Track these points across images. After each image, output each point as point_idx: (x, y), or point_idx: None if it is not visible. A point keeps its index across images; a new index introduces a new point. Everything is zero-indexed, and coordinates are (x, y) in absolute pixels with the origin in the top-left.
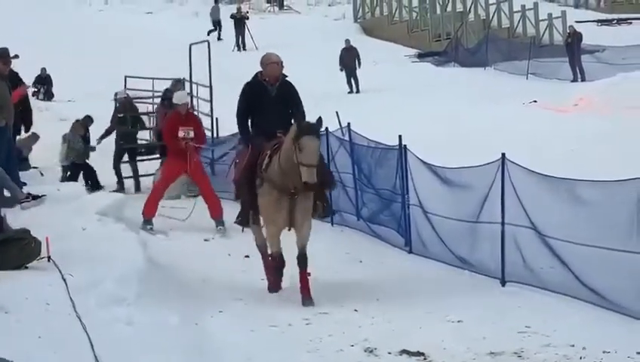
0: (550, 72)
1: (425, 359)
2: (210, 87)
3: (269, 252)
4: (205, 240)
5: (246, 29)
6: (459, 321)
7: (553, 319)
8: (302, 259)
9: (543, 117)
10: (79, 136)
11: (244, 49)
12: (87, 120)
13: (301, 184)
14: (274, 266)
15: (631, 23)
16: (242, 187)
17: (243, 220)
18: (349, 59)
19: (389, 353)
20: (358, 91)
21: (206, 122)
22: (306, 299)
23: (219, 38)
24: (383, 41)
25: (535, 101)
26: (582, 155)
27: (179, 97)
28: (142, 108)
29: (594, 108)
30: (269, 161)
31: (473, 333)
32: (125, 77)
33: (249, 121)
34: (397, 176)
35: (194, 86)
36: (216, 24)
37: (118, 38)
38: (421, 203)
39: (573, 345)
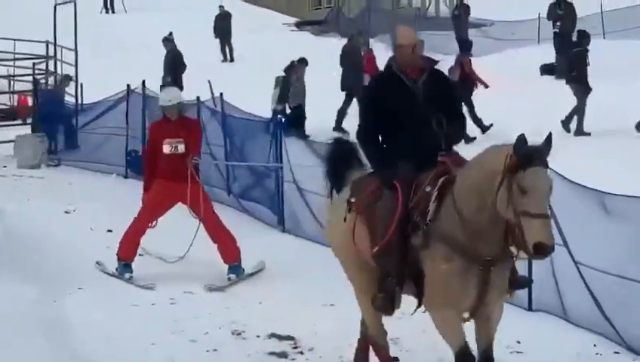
0: (436, 46)
1: (295, 344)
2: (76, 50)
3: (454, 349)
4: (66, 212)
5: None
6: (331, 304)
7: None
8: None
9: None
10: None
11: (113, 11)
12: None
13: (502, 247)
14: None
15: None
16: (394, 254)
17: (387, 301)
18: (222, 24)
19: (258, 336)
20: (232, 60)
21: (70, 89)
22: None
23: None
24: (260, 7)
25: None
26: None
27: (168, 97)
28: (2, 70)
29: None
30: (438, 206)
31: (345, 317)
32: None
33: (378, 136)
34: (270, 150)
35: (58, 49)
36: None
37: None
38: (295, 179)
39: None
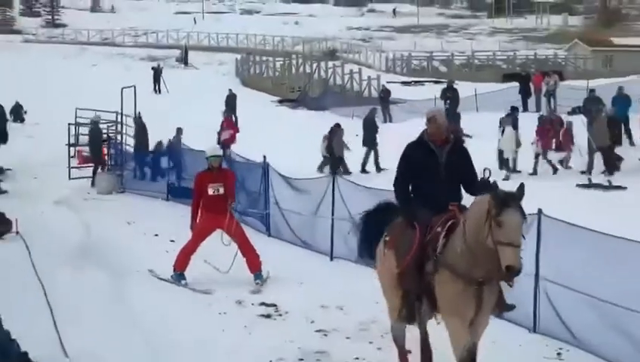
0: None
1: (276, 309)
2: (134, 118)
3: (458, 352)
4: (128, 223)
5: (161, 78)
6: (301, 283)
7: (364, 284)
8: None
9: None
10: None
11: (160, 92)
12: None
13: (495, 271)
14: None
15: (424, 84)
16: (411, 275)
17: (408, 316)
18: (231, 101)
19: (252, 304)
20: (237, 123)
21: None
22: None
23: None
24: (256, 91)
25: (357, 135)
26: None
27: (211, 150)
28: (86, 130)
29: (397, 142)
30: (446, 242)
31: (311, 292)
32: (76, 108)
33: (409, 189)
34: (261, 183)
35: (124, 117)
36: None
37: (72, 81)
38: (277, 202)
39: None
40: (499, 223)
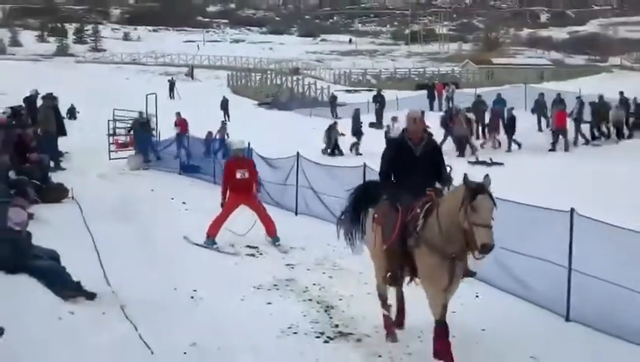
0: (321, 114)
1: (258, 250)
2: (157, 116)
3: (435, 316)
4: (151, 190)
5: (175, 88)
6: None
7: (318, 231)
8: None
9: (319, 134)
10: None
11: (173, 98)
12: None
13: (465, 247)
14: (441, 334)
15: (360, 92)
16: (395, 250)
17: (393, 279)
18: (224, 104)
19: (241, 247)
20: (229, 121)
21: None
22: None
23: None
24: (242, 97)
25: (315, 128)
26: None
27: (236, 144)
28: (122, 124)
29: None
30: (425, 222)
31: (282, 237)
32: (114, 109)
33: (392, 177)
34: None
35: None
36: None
37: (110, 90)
38: (259, 177)
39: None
40: (473, 208)
